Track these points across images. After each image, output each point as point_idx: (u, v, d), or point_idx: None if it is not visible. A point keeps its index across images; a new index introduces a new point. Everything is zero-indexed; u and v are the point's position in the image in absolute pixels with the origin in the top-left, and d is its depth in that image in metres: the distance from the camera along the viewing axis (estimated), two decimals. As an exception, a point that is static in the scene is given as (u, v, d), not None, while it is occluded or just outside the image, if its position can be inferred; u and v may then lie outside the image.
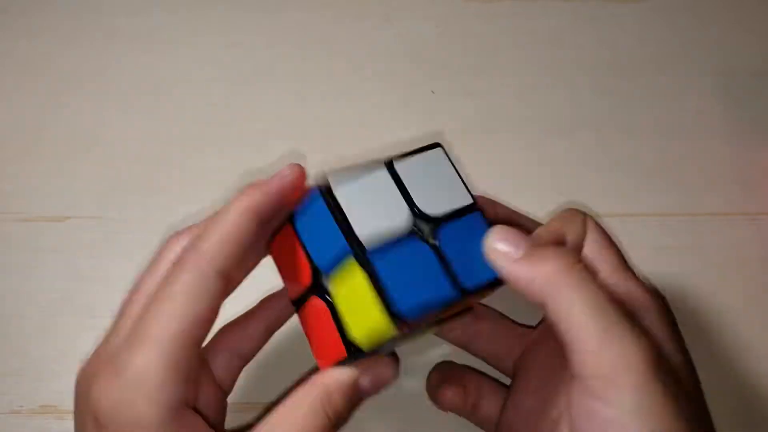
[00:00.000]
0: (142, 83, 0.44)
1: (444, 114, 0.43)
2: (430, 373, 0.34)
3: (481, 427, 0.33)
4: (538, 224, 0.27)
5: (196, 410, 0.24)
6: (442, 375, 0.34)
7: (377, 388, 0.26)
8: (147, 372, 0.22)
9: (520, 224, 0.27)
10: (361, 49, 0.45)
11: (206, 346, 0.28)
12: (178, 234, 0.27)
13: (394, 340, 0.25)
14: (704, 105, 0.44)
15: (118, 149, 0.42)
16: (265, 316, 0.30)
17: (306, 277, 0.26)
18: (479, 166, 0.42)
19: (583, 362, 0.22)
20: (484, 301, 0.30)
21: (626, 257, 0.27)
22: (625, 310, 0.23)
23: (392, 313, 0.23)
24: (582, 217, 0.27)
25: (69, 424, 0.35)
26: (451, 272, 0.25)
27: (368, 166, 0.27)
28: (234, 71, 0.45)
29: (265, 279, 0.28)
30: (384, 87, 0.44)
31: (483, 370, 0.34)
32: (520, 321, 0.34)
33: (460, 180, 0.27)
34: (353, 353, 0.24)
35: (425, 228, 0.25)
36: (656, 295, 0.26)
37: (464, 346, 0.34)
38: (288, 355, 0.35)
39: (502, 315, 0.34)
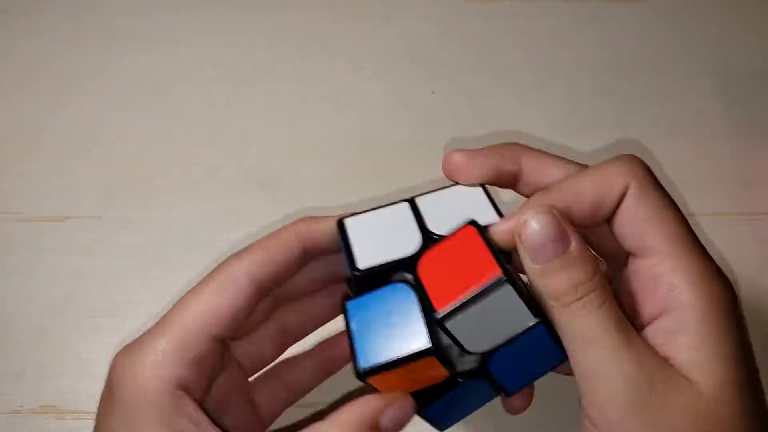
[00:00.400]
0: (142, 83, 0.44)
1: (444, 114, 0.43)
2: None
3: None
4: (571, 166, 0.26)
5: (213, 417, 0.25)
6: None
7: (396, 427, 0.25)
8: (156, 350, 0.24)
9: (551, 175, 0.26)
10: (361, 49, 0.45)
11: (257, 377, 0.30)
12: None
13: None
14: (704, 105, 0.44)
15: (118, 149, 0.42)
16: (319, 356, 0.30)
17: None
18: (479, 166, 0.42)
19: None
20: None
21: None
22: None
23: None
24: (623, 178, 0.25)
25: (69, 424, 0.35)
26: (495, 383, 0.25)
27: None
28: (234, 71, 0.45)
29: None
30: (384, 87, 0.44)
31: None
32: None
33: (523, 305, 0.24)
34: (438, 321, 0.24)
35: (472, 363, 0.25)
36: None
37: None
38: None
39: None
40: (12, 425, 0.36)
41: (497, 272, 0.22)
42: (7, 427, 0.36)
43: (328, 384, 0.31)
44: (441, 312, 0.23)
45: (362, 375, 0.24)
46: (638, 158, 0.25)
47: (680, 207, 0.25)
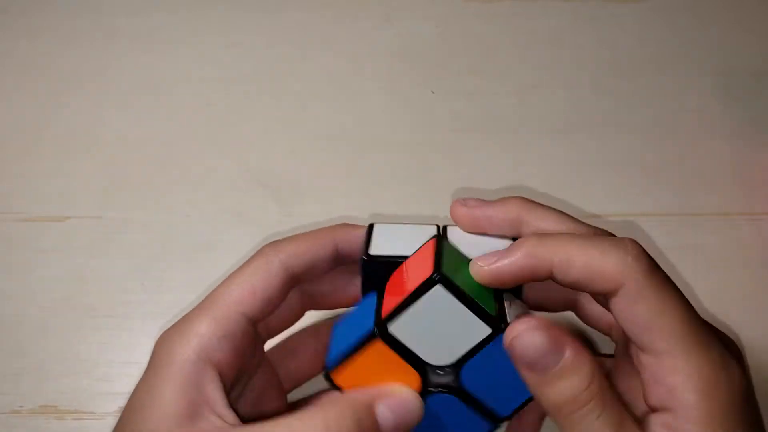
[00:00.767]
0: (142, 83, 0.44)
1: (444, 114, 0.43)
2: None
3: None
4: (580, 226, 0.26)
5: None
6: None
7: (397, 422, 0.24)
8: (194, 329, 0.26)
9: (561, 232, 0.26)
10: (361, 49, 0.45)
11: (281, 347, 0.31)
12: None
13: None
14: (704, 105, 0.44)
15: (118, 149, 0.42)
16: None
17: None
18: (479, 167, 0.42)
19: None
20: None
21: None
22: None
23: None
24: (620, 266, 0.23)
25: (69, 424, 0.35)
26: (484, 408, 0.25)
27: None
28: (234, 71, 0.45)
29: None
30: (384, 87, 0.44)
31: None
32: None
33: (469, 312, 0.24)
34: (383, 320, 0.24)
35: (446, 377, 0.25)
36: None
37: None
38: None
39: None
40: (12, 425, 0.36)
41: (428, 273, 0.23)
42: (7, 427, 0.36)
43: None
44: (384, 317, 0.24)
45: (327, 374, 0.25)
46: (637, 247, 0.24)
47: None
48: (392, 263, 0.26)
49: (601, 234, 0.26)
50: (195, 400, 0.24)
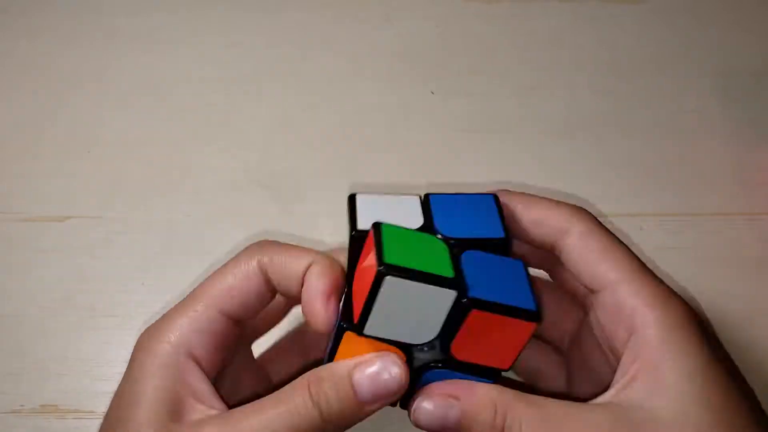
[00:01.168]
0: (142, 83, 0.44)
1: (444, 114, 0.43)
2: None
3: None
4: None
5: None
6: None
7: (376, 388, 0.24)
8: (175, 325, 0.26)
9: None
10: (361, 49, 0.45)
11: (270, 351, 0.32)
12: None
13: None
14: (704, 105, 0.44)
15: (118, 149, 0.42)
16: None
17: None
18: (479, 166, 0.42)
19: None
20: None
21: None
22: None
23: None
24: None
25: (70, 423, 0.35)
26: (480, 369, 0.25)
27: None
28: (234, 71, 0.45)
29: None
30: (384, 87, 0.44)
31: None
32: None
33: (429, 285, 0.23)
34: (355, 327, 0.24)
35: (433, 351, 0.25)
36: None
37: None
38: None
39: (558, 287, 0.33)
40: (12, 425, 0.36)
41: (374, 270, 0.22)
42: (7, 427, 0.36)
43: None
44: (356, 323, 0.24)
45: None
46: (585, 209, 0.28)
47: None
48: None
49: None
50: (179, 393, 0.25)
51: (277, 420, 0.23)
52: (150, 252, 0.40)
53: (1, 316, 0.38)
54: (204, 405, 0.25)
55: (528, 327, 0.24)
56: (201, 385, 0.25)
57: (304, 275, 0.26)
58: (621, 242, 0.27)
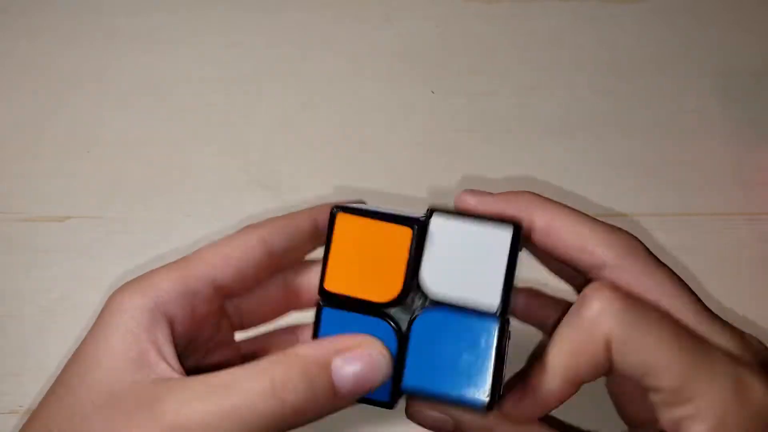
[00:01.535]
0: (142, 83, 0.44)
1: (444, 114, 0.43)
2: None
3: None
4: (583, 225, 0.26)
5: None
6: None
7: (358, 381, 0.22)
8: (153, 278, 0.25)
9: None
10: (361, 49, 0.45)
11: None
12: None
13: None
14: (704, 105, 0.44)
15: (118, 149, 0.42)
16: None
17: None
18: (479, 167, 0.42)
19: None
20: None
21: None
22: None
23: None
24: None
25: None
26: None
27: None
28: (234, 71, 0.45)
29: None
30: (384, 87, 0.44)
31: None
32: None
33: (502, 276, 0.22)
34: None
35: (417, 302, 0.24)
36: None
37: None
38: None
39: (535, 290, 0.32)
40: (12, 425, 0.36)
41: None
42: (7, 427, 0.36)
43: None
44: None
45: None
46: (611, 291, 0.24)
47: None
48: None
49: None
50: (145, 348, 0.23)
51: (246, 401, 0.21)
52: (150, 252, 0.40)
53: (1, 316, 0.38)
54: (166, 363, 0.23)
55: None
56: (167, 346, 0.24)
57: (312, 231, 0.27)
58: (680, 283, 0.25)
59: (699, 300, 0.25)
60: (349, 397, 0.22)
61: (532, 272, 0.29)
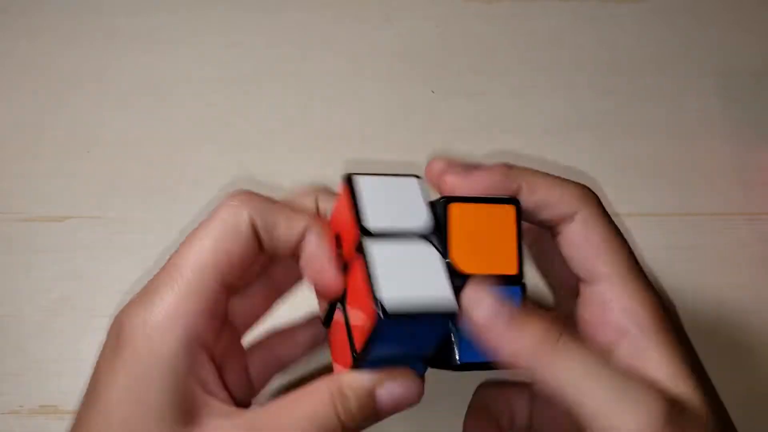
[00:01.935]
0: (142, 83, 0.44)
1: (444, 114, 0.43)
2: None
3: None
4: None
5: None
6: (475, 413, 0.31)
7: (396, 403, 0.24)
8: (166, 302, 0.23)
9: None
10: (361, 49, 0.45)
11: (250, 344, 0.29)
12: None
13: (394, 344, 0.24)
14: (704, 105, 0.44)
15: (118, 149, 0.42)
16: (312, 331, 0.30)
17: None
18: (479, 166, 0.42)
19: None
20: None
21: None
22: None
23: (375, 299, 0.22)
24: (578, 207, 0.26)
25: (69, 424, 0.35)
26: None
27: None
28: (234, 71, 0.45)
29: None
30: (384, 87, 0.44)
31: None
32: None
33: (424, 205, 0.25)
34: (356, 359, 0.24)
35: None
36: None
37: None
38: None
39: None
40: (12, 425, 0.36)
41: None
42: (7, 427, 0.36)
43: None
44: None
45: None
46: (592, 190, 0.27)
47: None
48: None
49: None
50: (189, 390, 0.22)
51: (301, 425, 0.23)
52: (150, 252, 0.40)
53: (1, 316, 0.38)
54: (216, 399, 0.23)
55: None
56: (211, 377, 0.23)
57: (300, 240, 0.24)
58: (620, 235, 0.26)
59: (633, 257, 0.26)
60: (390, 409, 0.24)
61: (529, 275, 0.29)
